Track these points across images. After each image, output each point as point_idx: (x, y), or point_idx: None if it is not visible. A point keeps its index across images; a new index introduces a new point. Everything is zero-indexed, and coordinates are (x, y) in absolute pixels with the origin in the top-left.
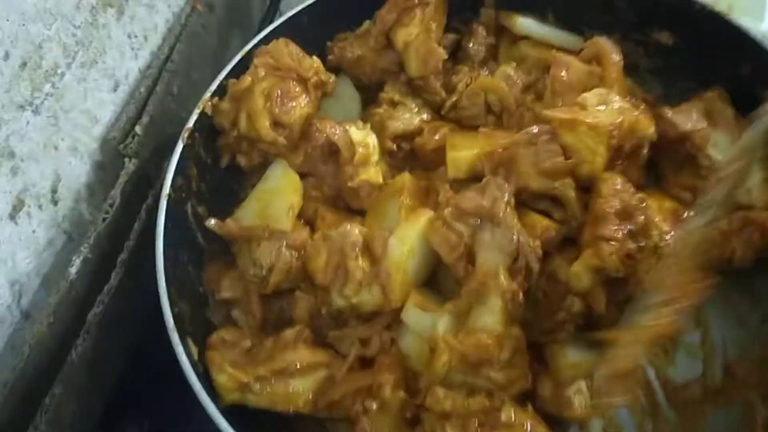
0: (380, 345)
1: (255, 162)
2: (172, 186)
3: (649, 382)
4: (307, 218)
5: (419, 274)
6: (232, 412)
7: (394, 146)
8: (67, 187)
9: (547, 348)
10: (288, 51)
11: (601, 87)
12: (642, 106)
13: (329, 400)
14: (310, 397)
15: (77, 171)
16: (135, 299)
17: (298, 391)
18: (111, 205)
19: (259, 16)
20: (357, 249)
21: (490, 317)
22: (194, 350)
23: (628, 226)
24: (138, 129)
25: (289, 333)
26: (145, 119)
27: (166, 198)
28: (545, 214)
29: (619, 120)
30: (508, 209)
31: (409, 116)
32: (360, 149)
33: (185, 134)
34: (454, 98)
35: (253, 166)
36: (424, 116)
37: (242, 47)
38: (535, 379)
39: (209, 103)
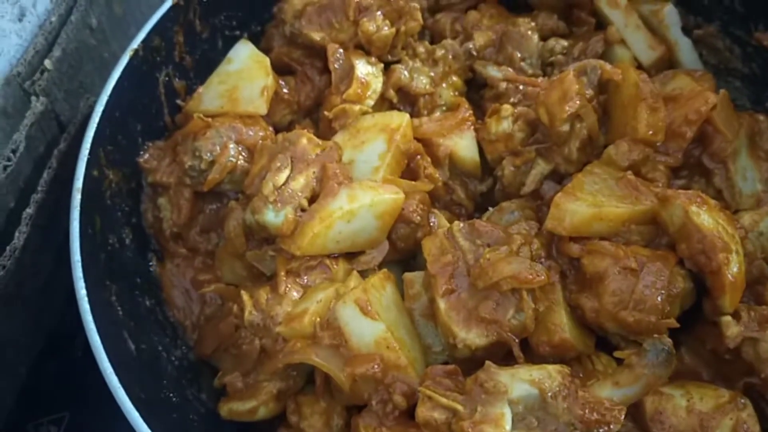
0: None
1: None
2: (145, 42)
3: None
4: (275, 123)
5: (340, 243)
6: (147, 402)
7: (395, 98)
8: None
9: None
10: None
11: None
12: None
13: None
14: None
15: None
16: (45, 264)
17: None
18: (14, 151)
19: None
20: (289, 158)
21: None
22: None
23: None
24: (48, 63)
25: None
26: (57, 53)
27: (132, 52)
28: None
29: None
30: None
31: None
32: (358, 86)
33: None
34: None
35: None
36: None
37: None
38: None
39: None
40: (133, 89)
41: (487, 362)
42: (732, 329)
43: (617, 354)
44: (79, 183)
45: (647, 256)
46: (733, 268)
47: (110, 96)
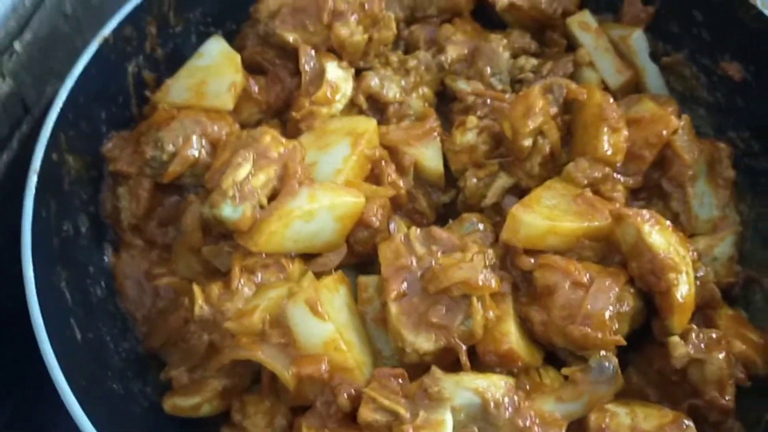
0: None
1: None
2: (116, 30)
3: None
4: (242, 121)
5: (297, 243)
6: (89, 390)
7: (365, 104)
8: None
9: None
10: None
11: None
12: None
13: None
14: None
15: None
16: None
17: None
18: None
19: None
20: (251, 155)
21: None
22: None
23: None
24: (17, 46)
25: None
26: (27, 36)
27: (101, 40)
28: None
29: None
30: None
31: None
32: (327, 89)
33: None
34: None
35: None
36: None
37: None
38: None
39: None
40: (101, 77)
41: (433, 367)
42: (679, 350)
43: (564, 371)
44: (36, 165)
45: (598, 272)
46: (682, 289)
47: (76, 82)
